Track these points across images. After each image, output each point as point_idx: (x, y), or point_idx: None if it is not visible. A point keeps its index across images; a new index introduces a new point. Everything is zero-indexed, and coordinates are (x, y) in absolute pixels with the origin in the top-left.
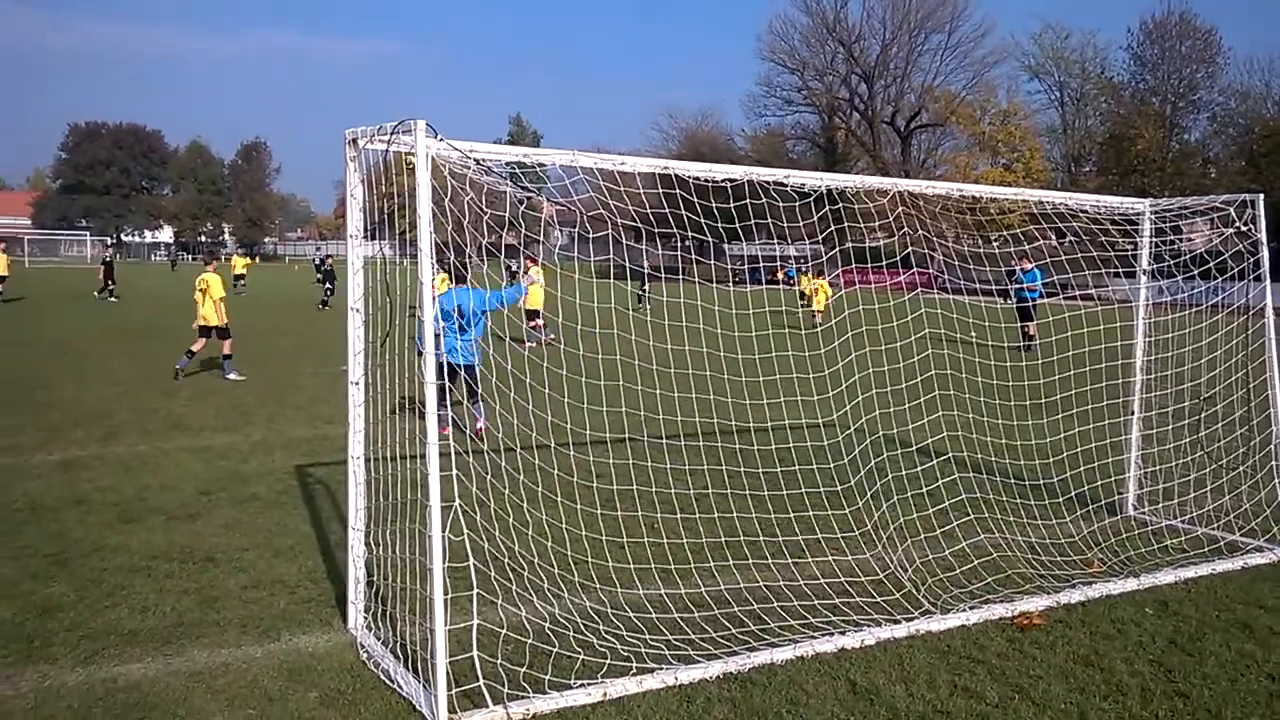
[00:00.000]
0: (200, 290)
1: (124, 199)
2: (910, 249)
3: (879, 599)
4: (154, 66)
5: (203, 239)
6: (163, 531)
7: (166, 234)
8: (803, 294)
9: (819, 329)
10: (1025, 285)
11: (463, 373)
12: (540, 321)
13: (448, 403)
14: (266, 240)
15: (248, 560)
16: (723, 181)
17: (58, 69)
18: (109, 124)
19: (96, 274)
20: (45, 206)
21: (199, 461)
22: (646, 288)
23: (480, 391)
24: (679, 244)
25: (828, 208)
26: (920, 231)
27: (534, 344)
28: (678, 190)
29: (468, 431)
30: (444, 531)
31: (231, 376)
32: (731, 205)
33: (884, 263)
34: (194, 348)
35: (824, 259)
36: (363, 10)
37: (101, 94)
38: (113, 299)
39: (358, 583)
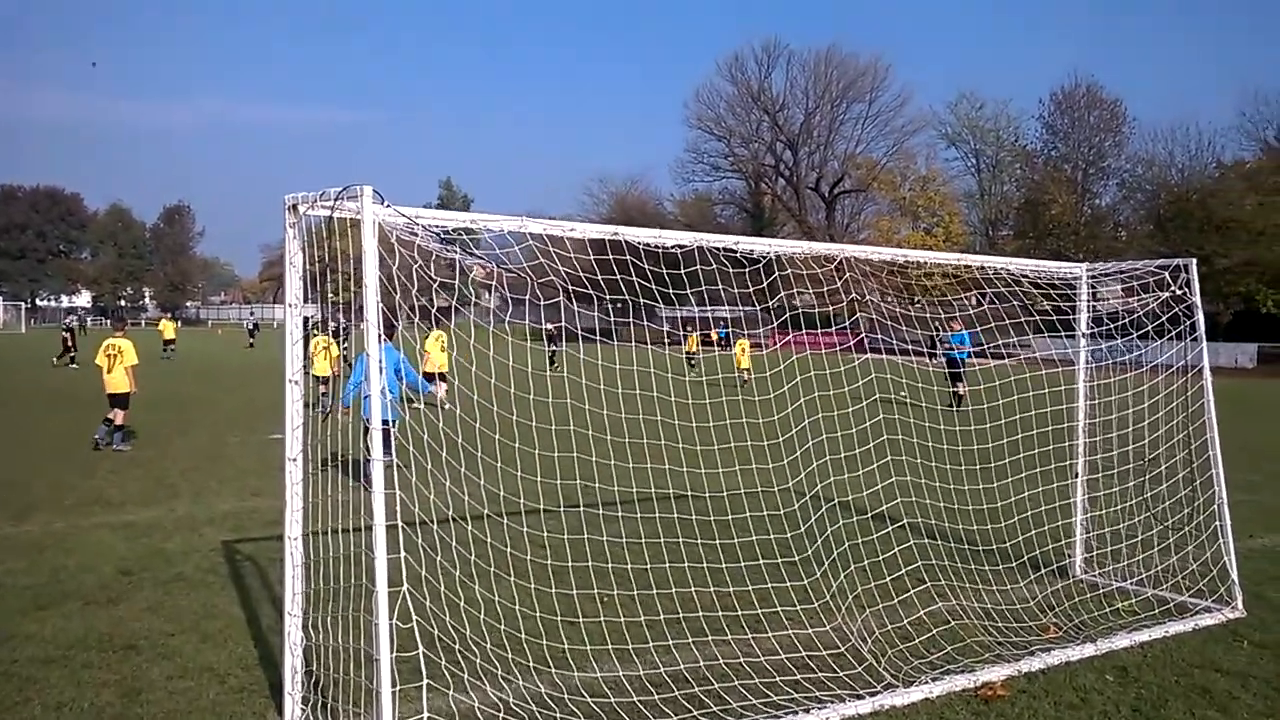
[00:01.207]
0: (109, 355)
1: (40, 263)
2: (858, 314)
3: (840, 673)
4: (74, 130)
5: (123, 303)
6: (80, 617)
7: (85, 298)
8: (689, 354)
9: (739, 396)
10: (954, 346)
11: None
12: (442, 385)
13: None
14: (189, 304)
15: (173, 647)
16: (673, 248)
17: None
18: (25, 187)
19: (60, 341)
20: None
21: (120, 539)
22: (556, 346)
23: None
24: (615, 306)
25: (776, 274)
26: (853, 295)
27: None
28: (618, 255)
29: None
30: (391, 619)
31: (122, 448)
32: (671, 270)
33: (803, 328)
34: (110, 416)
35: (751, 327)
36: (290, 78)
37: (17, 157)
38: (73, 366)
39: (295, 672)
